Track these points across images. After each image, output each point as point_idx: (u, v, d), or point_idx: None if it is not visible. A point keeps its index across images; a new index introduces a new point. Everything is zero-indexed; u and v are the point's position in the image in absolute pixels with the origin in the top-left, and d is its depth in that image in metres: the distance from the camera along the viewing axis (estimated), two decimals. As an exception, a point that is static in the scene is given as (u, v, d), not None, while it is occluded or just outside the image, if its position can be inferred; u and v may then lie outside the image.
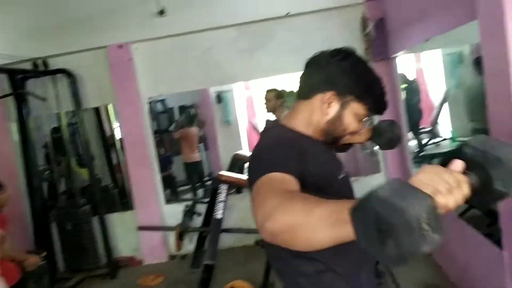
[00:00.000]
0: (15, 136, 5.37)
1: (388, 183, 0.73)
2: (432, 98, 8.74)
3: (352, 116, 1.26)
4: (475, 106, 4.80)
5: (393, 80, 4.82)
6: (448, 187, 0.75)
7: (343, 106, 1.25)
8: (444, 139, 8.04)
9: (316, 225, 0.84)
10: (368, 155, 6.54)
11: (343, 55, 1.29)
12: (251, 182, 1.15)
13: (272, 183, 1.04)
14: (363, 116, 1.28)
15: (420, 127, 8.20)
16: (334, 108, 1.26)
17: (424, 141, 7.94)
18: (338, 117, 1.26)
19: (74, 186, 5.31)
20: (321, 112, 1.27)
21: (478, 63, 4.21)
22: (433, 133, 8.11)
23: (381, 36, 4.60)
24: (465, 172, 0.82)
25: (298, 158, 1.16)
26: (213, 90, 8.45)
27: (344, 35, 4.95)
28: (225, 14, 4.97)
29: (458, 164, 0.82)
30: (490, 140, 0.85)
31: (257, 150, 1.26)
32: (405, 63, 7.83)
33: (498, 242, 2.27)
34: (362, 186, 3.99)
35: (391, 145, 1.82)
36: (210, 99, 8.66)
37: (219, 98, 8.88)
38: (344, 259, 1.27)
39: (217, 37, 5.13)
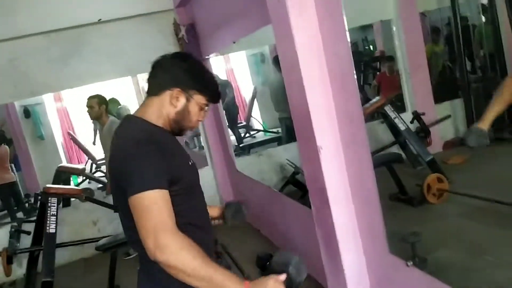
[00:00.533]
0: None
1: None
2: (244, 95, 9.64)
3: (196, 106, 1.54)
4: (279, 98, 5.58)
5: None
6: None
7: (188, 99, 1.52)
8: (258, 131, 8.96)
9: (196, 280, 1.28)
10: (197, 151, 6.89)
11: (183, 57, 1.57)
12: (121, 187, 1.37)
13: (156, 207, 1.30)
14: (204, 106, 1.57)
15: (238, 122, 9.00)
16: (181, 101, 1.51)
17: (242, 135, 8.70)
18: (185, 108, 1.52)
19: None
20: (170, 106, 1.52)
21: (277, 61, 4.92)
22: (249, 127, 8.96)
23: (193, 40, 5.00)
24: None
25: (162, 156, 1.39)
26: (18, 104, 7.81)
27: (158, 40, 5.20)
28: (31, 21, 4.71)
29: (283, 277, 1.41)
30: (301, 265, 1.49)
31: (123, 147, 1.43)
32: (217, 65, 8.48)
33: (308, 205, 2.82)
34: None
35: (236, 219, 2.00)
36: (16, 115, 7.99)
37: (27, 112, 8.26)
38: (200, 218, 1.58)
39: (23, 46, 4.83)
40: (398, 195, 4.01)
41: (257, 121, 9.03)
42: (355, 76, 2.19)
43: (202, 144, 5.94)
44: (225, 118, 5.32)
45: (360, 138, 2.25)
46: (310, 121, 2.40)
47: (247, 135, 8.81)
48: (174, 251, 1.26)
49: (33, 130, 8.40)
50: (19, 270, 4.82)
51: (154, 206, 1.30)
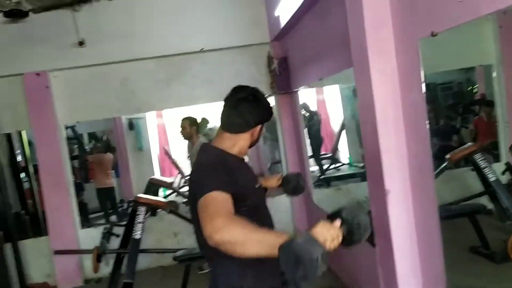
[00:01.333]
0: None
1: (302, 234, 1.31)
2: (333, 127, 9.71)
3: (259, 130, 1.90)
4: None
5: (295, 110, 5.48)
6: (331, 238, 1.34)
7: (261, 128, 1.90)
8: (343, 164, 8.93)
9: (250, 245, 1.37)
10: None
11: (255, 99, 1.86)
12: (194, 195, 1.63)
13: (216, 202, 1.52)
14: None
15: (321, 153, 9.08)
16: (257, 132, 1.88)
17: (325, 166, 8.74)
18: (258, 135, 1.91)
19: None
20: (251, 138, 1.86)
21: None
22: (334, 159, 8.98)
23: (284, 72, 5.26)
24: (341, 227, 1.40)
25: (229, 175, 1.67)
26: (125, 118, 8.59)
27: (252, 70, 5.55)
28: (143, 47, 5.31)
29: (337, 223, 1.40)
30: (357, 208, 1.48)
31: (198, 168, 1.78)
32: (309, 95, 8.69)
33: (373, 243, 2.86)
34: (271, 205, 4.56)
35: (295, 192, 2.33)
36: (122, 126, 8.79)
37: (131, 125, 9.03)
38: None
39: (135, 68, 5.45)
40: (480, 248, 3.83)
41: (343, 154, 9.01)
42: (427, 125, 2.24)
43: (281, 171, 6.10)
44: (306, 148, 5.45)
45: (428, 186, 2.27)
46: (381, 163, 2.48)
47: (331, 166, 8.83)
48: (226, 228, 1.40)
49: (134, 142, 9.16)
50: (106, 269, 5.28)
51: (213, 201, 1.53)
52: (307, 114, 8.92)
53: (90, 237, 5.30)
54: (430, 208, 2.30)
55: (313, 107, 8.99)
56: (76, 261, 5.39)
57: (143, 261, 5.53)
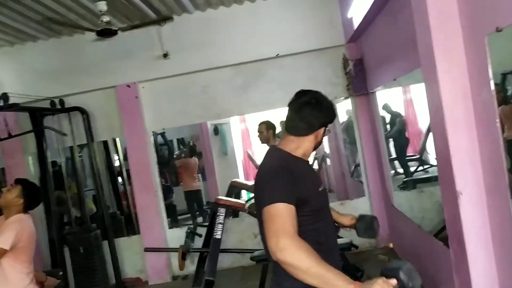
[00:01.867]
0: (30, 167, 5.90)
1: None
2: (420, 127, 9.30)
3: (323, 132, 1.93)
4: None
5: (373, 112, 5.39)
6: None
7: (324, 131, 1.92)
8: (431, 166, 8.53)
9: (310, 276, 1.46)
10: (356, 182, 7.00)
11: (317, 102, 1.88)
12: (259, 200, 1.72)
13: (281, 216, 1.59)
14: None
15: (407, 155, 8.75)
16: (320, 135, 1.91)
17: (412, 168, 8.41)
18: (322, 137, 1.94)
19: (84, 213, 5.76)
20: (315, 140, 1.89)
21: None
22: (422, 160, 8.60)
23: (360, 74, 5.21)
24: (396, 285, 1.45)
25: (293, 180, 1.71)
26: (210, 123, 8.96)
27: (328, 73, 5.56)
28: (221, 56, 5.57)
29: (394, 281, 1.45)
30: (412, 271, 1.51)
31: (263, 172, 1.84)
32: (395, 95, 8.41)
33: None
34: (348, 208, 4.63)
35: (367, 234, 2.23)
36: (208, 132, 9.17)
37: (216, 130, 9.38)
38: (326, 239, 1.83)
39: (214, 76, 5.73)
40: None
41: (432, 155, 8.60)
42: (499, 125, 2.14)
43: (361, 174, 6.02)
44: (386, 151, 5.34)
45: (503, 189, 2.16)
46: (451, 165, 2.40)
47: (419, 168, 8.47)
48: (292, 250, 1.49)
49: (219, 146, 9.51)
50: (191, 267, 5.60)
51: (279, 214, 1.59)
52: (389, 116, 8.66)
53: (177, 236, 5.65)
54: (505, 211, 2.18)
55: (398, 108, 8.67)
56: (164, 259, 5.77)
57: (225, 261, 5.79)
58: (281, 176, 1.71)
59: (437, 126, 2.53)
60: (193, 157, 8.51)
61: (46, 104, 5.52)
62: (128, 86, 5.65)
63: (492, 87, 2.12)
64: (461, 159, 2.39)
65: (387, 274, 1.48)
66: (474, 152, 2.37)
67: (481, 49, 2.13)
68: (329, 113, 1.90)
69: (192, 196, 8.32)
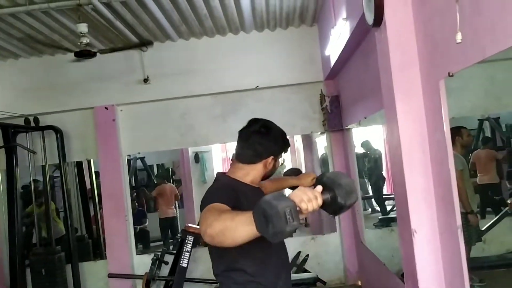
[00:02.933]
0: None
1: (272, 194, 1.32)
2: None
3: (275, 161, 1.95)
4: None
5: (348, 148, 5.47)
6: (309, 198, 1.34)
7: (275, 160, 1.92)
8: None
9: (237, 226, 1.40)
10: (331, 217, 7.02)
11: (266, 130, 1.91)
12: (201, 210, 1.71)
13: (212, 207, 1.60)
14: (280, 157, 1.97)
15: (383, 193, 8.82)
16: (272, 163, 1.92)
17: (389, 207, 8.45)
18: (273, 166, 1.94)
19: (50, 235, 5.65)
20: (264, 169, 1.91)
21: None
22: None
23: (336, 110, 5.30)
24: (323, 192, 1.41)
25: (234, 197, 1.73)
26: (191, 150, 8.95)
27: (305, 107, 5.67)
28: (202, 84, 5.65)
29: (318, 187, 1.42)
30: (338, 173, 1.49)
31: (207, 192, 1.84)
32: (376, 133, 8.52)
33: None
34: (320, 242, 4.60)
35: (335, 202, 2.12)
36: (188, 159, 9.14)
37: (197, 158, 9.36)
38: (265, 272, 1.80)
39: (193, 103, 5.78)
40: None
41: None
42: (452, 166, 2.19)
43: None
44: (358, 187, 5.38)
45: (454, 227, 2.20)
46: (407, 202, 2.44)
47: (396, 208, 8.51)
48: (214, 221, 1.46)
49: (199, 174, 9.47)
50: (158, 295, 5.50)
51: (210, 208, 1.59)
52: (368, 152, 8.78)
53: (145, 263, 5.54)
54: (456, 250, 2.21)
55: (378, 145, 8.78)
56: (130, 286, 5.64)
57: (192, 291, 5.68)
58: (222, 191, 1.75)
59: (396, 165, 2.58)
60: (169, 184, 8.46)
61: (21, 122, 5.49)
62: (106, 108, 5.66)
63: (446, 128, 2.18)
64: (416, 198, 2.44)
65: (325, 182, 1.45)
66: (429, 191, 2.42)
67: (436, 93, 2.21)
68: (278, 143, 1.91)
69: (166, 223, 8.23)
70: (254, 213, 1.31)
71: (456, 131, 4.30)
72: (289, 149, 2.03)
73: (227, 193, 1.73)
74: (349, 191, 1.42)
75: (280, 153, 1.95)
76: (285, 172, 2.50)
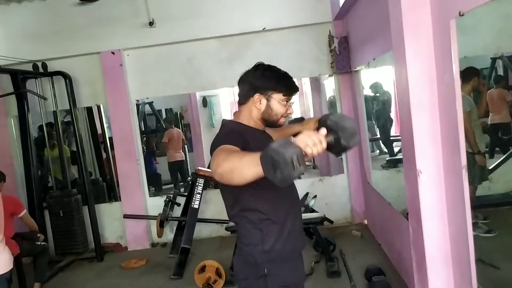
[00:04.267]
0: (12, 130, 5.92)
1: (278, 141, 1.34)
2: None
3: (277, 103, 1.86)
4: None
5: (355, 91, 5.44)
6: (313, 143, 1.36)
7: (268, 99, 1.85)
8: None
9: (244, 166, 1.44)
10: (339, 159, 7.10)
11: (255, 67, 1.90)
12: (211, 154, 1.75)
13: (222, 149, 1.64)
14: (285, 100, 1.86)
15: (391, 135, 8.86)
16: (263, 102, 1.85)
17: (396, 149, 8.52)
18: (268, 107, 1.86)
19: (66, 178, 5.82)
20: (255, 109, 1.87)
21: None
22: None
23: (344, 52, 5.23)
24: (326, 135, 1.43)
25: (242, 140, 1.76)
26: (199, 95, 8.95)
27: (313, 49, 5.58)
28: (208, 27, 5.55)
29: (322, 131, 1.43)
30: (341, 116, 1.50)
31: (216, 137, 1.86)
32: (383, 74, 8.43)
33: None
34: (327, 184, 4.69)
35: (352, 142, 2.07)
36: (196, 103, 9.16)
37: (205, 102, 9.37)
38: (277, 210, 1.87)
39: (199, 47, 5.71)
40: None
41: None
42: (459, 107, 2.20)
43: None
44: (366, 130, 5.40)
45: (460, 166, 2.25)
46: (413, 144, 2.48)
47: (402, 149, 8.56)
48: (224, 161, 1.51)
49: (207, 118, 9.53)
50: (171, 235, 5.73)
51: (221, 149, 1.63)
52: (377, 94, 8.73)
53: (158, 205, 5.73)
54: (459, 190, 2.27)
55: (386, 87, 8.69)
56: (144, 226, 5.87)
57: (205, 230, 5.92)
58: (230, 136, 1.76)
59: (403, 107, 2.60)
60: (176, 129, 8.54)
61: (29, 67, 5.50)
62: (113, 53, 5.63)
63: (455, 70, 2.17)
64: (423, 139, 2.47)
65: (328, 125, 1.46)
66: (436, 133, 2.45)
67: (446, 33, 2.18)
68: (264, 79, 1.82)
69: (175, 167, 8.39)
70: (262, 159, 1.34)
71: (467, 72, 4.28)
72: (295, 94, 1.90)
73: (235, 136, 1.76)
74: (352, 133, 1.44)
75: (266, 89, 1.82)
76: (289, 121, 2.50)
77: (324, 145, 1.40)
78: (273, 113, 1.87)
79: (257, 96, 1.84)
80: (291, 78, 1.88)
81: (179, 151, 8.34)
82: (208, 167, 6.50)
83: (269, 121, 1.90)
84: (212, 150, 1.76)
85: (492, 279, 3.16)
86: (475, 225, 4.21)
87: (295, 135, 2.30)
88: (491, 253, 3.71)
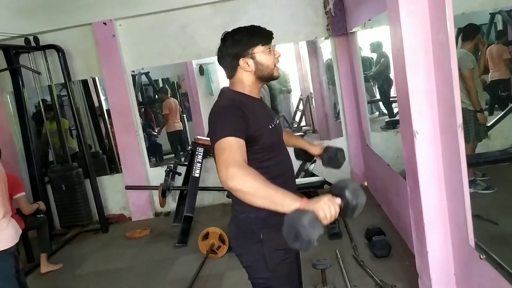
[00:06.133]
0: (9, 107, 5.90)
1: (307, 214, 1.39)
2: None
3: (263, 55, 1.82)
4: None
5: (352, 53, 5.39)
6: (330, 216, 1.44)
7: (252, 57, 1.82)
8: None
9: (258, 198, 1.51)
10: (338, 123, 7.10)
11: (223, 40, 1.86)
12: (212, 137, 1.74)
13: (230, 148, 1.62)
14: (267, 49, 1.83)
15: (391, 96, 8.82)
16: (250, 63, 1.82)
17: (396, 110, 8.49)
18: (257, 64, 1.83)
19: (66, 152, 5.83)
20: (247, 73, 1.85)
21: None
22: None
23: (340, 13, 5.15)
24: (341, 203, 1.51)
25: (243, 117, 1.73)
26: (195, 63, 8.84)
27: (308, 12, 5.49)
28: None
29: (338, 200, 1.49)
30: (357, 190, 1.54)
31: (215, 106, 1.84)
32: (380, 35, 8.30)
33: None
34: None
35: (330, 164, 2.22)
36: (193, 72, 9.06)
37: (202, 70, 9.27)
38: (271, 180, 1.86)
39: (193, 15, 5.62)
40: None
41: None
42: (454, 65, 2.18)
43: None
44: (364, 92, 5.37)
45: (456, 125, 2.24)
46: (409, 105, 2.47)
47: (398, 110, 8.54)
48: (241, 177, 1.53)
49: (205, 87, 9.45)
50: (173, 204, 5.80)
51: (228, 146, 1.63)
52: (376, 55, 8.63)
53: (159, 175, 5.77)
54: (455, 150, 2.28)
55: (385, 47, 8.56)
56: (146, 196, 5.94)
57: (207, 198, 6.00)
58: (230, 113, 1.73)
59: (398, 67, 2.57)
60: (172, 98, 8.48)
61: (21, 42, 5.43)
62: (105, 23, 5.54)
63: (449, 28, 2.14)
64: (419, 99, 2.46)
65: (334, 192, 1.53)
66: (431, 93, 2.43)
67: (440, -10, 2.13)
68: (236, 43, 1.80)
69: (175, 137, 8.37)
70: (287, 222, 1.40)
71: (469, 29, 4.22)
72: (272, 37, 1.86)
73: (238, 115, 1.72)
74: (359, 209, 1.53)
75: (245, 51, 1.79)
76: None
77: (337, 213, 1.48)
78: (264, 66, 1.84)
79: (241, 61, 1.81)
80: (260, 26, 1.86)
81: (177, 121, 8.31)
82: (207, 136, 6.52)
83: (265, 77, 1.88)
84: (211, 120, 1.76)
85: (490, 234, 3.22)
86: (473, 182, 4.26)
87: (299, 150, 2.35)
88: (490, 209, 3.76)
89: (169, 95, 8.47)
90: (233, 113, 1.74)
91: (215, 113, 1.79)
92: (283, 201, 1.47)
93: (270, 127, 1.90)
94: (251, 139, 1.73)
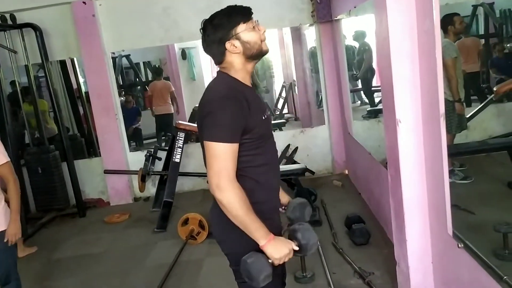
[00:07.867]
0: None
1: (255, 255, 1.67)
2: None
3: (247, 33, 1.75)
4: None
5: (336, 40, 5.36)
6: (285, 257, 1.69)
7: (237, 37, 1.74)
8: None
9: (237, 220, 1.65)
10: (320, 111, 7.10)
11: (204, 29, 1.80)
12: (202, 130, 1.69)
13: (225, 155, 1.61)
14: (250, 26, 1.76)
15: (373, 85, 8.86)
16: (236, 44, 1.75)
17: (378, 99, 8.54)
18: (243, 43, 1.75)
19: (42, 134, 5.69)
20: (236, 55, 1.77)
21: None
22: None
23: (325, 0, 5.09)
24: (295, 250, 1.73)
25: (241, 112, 1.67)
26: (178, 47, 8.71)
27: (293, -2, 5.42)
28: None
29: (293, 244, 1.72)
30: (307, 231, 1.78)
31: (214, 95, 1.74)
32: (364, 23, 8.28)
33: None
34: (308, 135, 4.72)
35: (293, 215, 2.03)
36: (175, 56, 8.93)
37: (184, 54, 9.14)
38: (256, 168, 1.84)
39: (176, -4, 5.51)
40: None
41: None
42: (439, 55, 2.17)
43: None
44: (347, 80, 5.35)
45: (438, 115, 2.24)
46: (393, 93, 2.46)
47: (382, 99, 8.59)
48: (229, 194, 1.61)
49: (187, 71, 9.34)
50: (153, 189, 5.73)
51: (223, 154, 1.61)
52: (359, 43, 8.64)
53: (139, 160, 5.69)
54: (437, 140, 2.28)
55: (368, 36, 8.57)
56: (126, 181, 5.86)
57: (187, 184, 5.95)
58: (231, 107, 1.67)
59: (383, 56, 2.56)
60: (162, 80, 8.19)
61: (-3, 20, 5.25)
62: (84, 2, 5.38)
63: (435, 17, 2.13)
64: (402, 88, 2.45)
65: (290, 235, 1.77)
66: (415, 82, 2.43)
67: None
68: (217, 28, 1.74)
69: (163, 120, 8.07)
70: (242, 263, 1.67)
71: (449, 19, 4.24)
72: (252, 13, 1.77)
73: (236, 113, 1.66)
74: (312, 249, 1.78)
75: (228, 33, 1.73)
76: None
77: (291, 255, 1.72)
78: (251, 44, 1.77)
79: (227, 44, 1.74)
80: (236, 4, 1.79)
81: (163, 104, 8.02)
82: (189, 120, 6.46)
83: (255, 54, 1.80)
84: (208, 108, 1.68)
85: (467, 224, 3.27)
86: (451, 172, 4.32)
87: None
88: (467, 199, 3.83)
89: (162, 77, 8.15)
90: (234, 107, 1.67)
91: (214, 101, 1.71)
92: (254, 233, 1.65)
93: (263, 118, 1.86)
94: (244, 130, 1.69)
